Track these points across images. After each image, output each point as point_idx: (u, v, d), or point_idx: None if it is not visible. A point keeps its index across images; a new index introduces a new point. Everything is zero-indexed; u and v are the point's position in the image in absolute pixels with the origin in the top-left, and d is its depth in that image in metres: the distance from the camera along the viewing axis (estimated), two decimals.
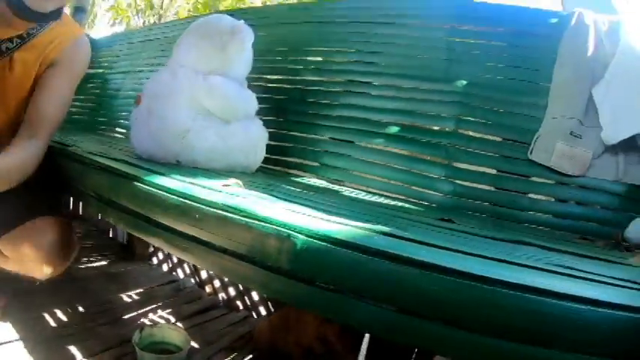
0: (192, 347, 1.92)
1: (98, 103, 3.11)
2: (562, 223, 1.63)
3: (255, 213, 0.84)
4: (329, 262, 0.76)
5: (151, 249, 2.88)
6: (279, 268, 0.80)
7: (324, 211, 0.94)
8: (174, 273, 2.74)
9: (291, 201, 1.05)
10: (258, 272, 0.84)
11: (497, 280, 0.70)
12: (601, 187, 1.62)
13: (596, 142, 1.63)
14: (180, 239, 0.98)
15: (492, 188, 1.75)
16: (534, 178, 1.72)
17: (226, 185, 1.09)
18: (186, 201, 0.95)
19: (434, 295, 0.70)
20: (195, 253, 0.98)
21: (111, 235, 3.16)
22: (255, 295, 2.35)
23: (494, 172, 1.77)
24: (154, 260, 2.88)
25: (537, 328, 0.68)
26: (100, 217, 3.23)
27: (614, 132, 1.59)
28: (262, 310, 2.32)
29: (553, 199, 1.71)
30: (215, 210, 0.89)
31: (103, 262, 2.69)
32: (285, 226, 0.80)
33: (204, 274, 2.58)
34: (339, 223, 0.81)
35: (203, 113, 1.53)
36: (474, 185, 1.78)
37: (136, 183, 1.06)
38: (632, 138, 1.57)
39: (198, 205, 0.93)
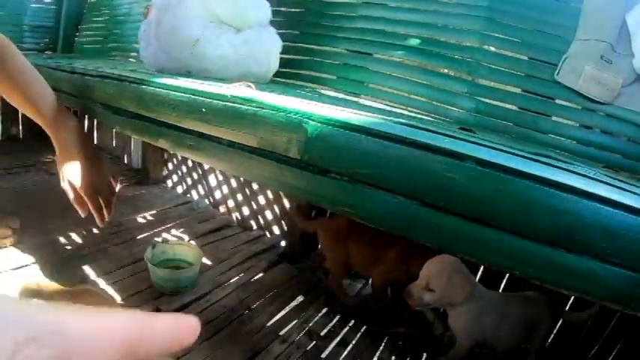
0: (205, 264, 1.95)
1: (108, 29, 3.01)
2: (586, 150, 1.57)
3: (265, 102, 0.78)
4: (343, 150, 0.70)
5: (165, 172, 2.88)
6: (290, 159, 0.75)
7: (340, 105, 0.88)
8: (188, 195, 2.75)
9: (309, 98, 0.99)
10: (267, 165, 0.79)
11: (528, 174, 0.65)
12: (629, 118, 1.55)
13: (627, 69, 1.53)
14: (188, 137, 0.94)
15: (516, 108, 1.68)
16: (559, 101, 1.65)
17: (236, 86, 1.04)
18: (193, 96, 0.90)
19: (459, 188, 0.65)
20: (202, 150, 0.93)
21: (125, 162, 3.16)
22: (269, 214, 2.35)
23: (518, 91, 1.69)
24: (169, 183, 2.89)
25: (566, 229, 0.62)
26: (114, 144, 3.21)
27: None
28: (276, 229, 2.33)
29: (577, 125, 1.63)
30: (224, 102, 0.84)
31: (118, 186, 2.69)
32: (296, 113, 0.74)
33: (218, 195, 2.58)
34: (358, 115, 0.75)
35: (214, 21, 1.45)
36: (497, 103, 1.70)
37: (142, 86, 1.02)
38: None
39: (206, 99, 0.87)
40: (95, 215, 1.22)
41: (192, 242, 1.97)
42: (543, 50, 1.64)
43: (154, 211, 2.41)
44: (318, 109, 0.75)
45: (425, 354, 1.74)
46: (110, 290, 1.68)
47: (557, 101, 1.65)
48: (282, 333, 1.67)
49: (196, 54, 1.42)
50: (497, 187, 0.64)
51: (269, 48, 1.61)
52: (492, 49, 1.70)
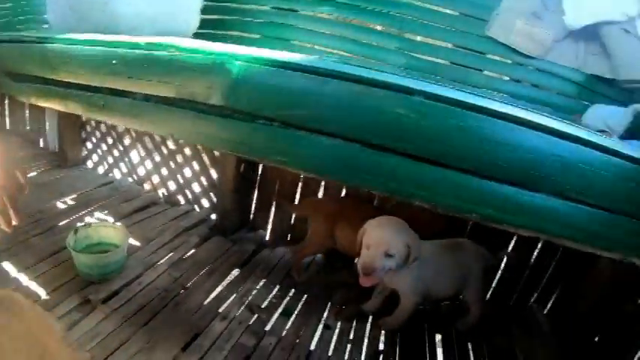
0: (133, 245, 1.80)
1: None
2: (516, 103, 1.61)
3: (182, 46, 0.68)
4: (274, 91, 0.61)
5: (84, 152, 2.66)
6: (213, 107, 0.65)
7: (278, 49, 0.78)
8: (110, 174, 2.55)
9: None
10: (187, 117, 0.69)
11: (483, 107, 0.59)
12: (560, 73, 1.60)
13: (558, 25, 1.58)
14: (99, 96, 0.82)
15: (447, 63, 1.68)
16: (490, 56, 1.67)
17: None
18: (102, 48, 0.79)
19: (408, 125, 0.58)
20: (115, 109, 0.82)
21: (42, 145, 2.86)
22: (196, 187, 2.23)
23: (449, 45, 1.69)
24: (89, 164, 2.67)
25: (525, 166, 0.60)
26: (28, 127, 2.91)
27: (577, 17, 1.53)
28: (205, 202, 2.21)
29: (508, 79, 1.68)
30: (136, 51, 0.73)
31: (34, 173, 2.45)
32: (218, 54, 0.64)
33: (141, 171, 2.40)
34: (289, 54, 0.67)
35: None
36: (429, 58, 1.69)
37: (45, 44, 0.90)
38: (595, 28, 1.52)
39: (118, 49, 0.76)
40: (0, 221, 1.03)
41: (118, 223, 1.81)
42: (473, 5, 1.64)
43: (74, 195, 2.21)
44: (243, 49, 0.66)
45: (370, 316, 1.72)
46: (33, 286, 1.50)
47: (488, 56, 1.67)
48: (221, 310, 1.58)
49: (108, 12, 1.28)
50: (450, 122, 0.57)
51: (188, 4, 1.50)
52: (421, 4, 1.67)
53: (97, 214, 2.03)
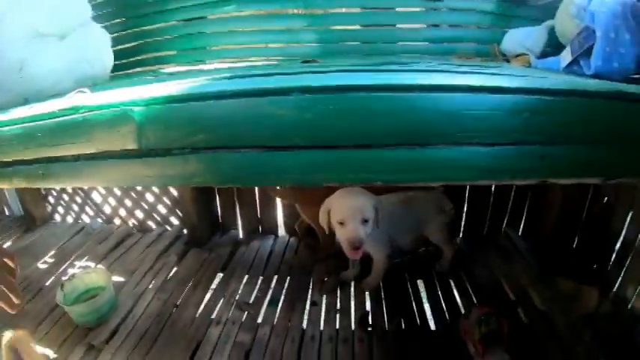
0: (118, 282, 1.86)
1: None
2: (438, 47, 1.66)
3: (90, 105, 0.74)
4: (174, 124, 0.68)
5: (49, 208, 2.66)
6: (131, 152, 0.72)
7: (168, 81, 0.84)
8: (79, 221, 2.58)
9: (137, 84, 0.94)
10: (114, 166, 0.75)
11: (359, 85, 0.65)
12: (471, 7, 1.64)
13: None
14: (37, 167, 0.86)
15: (359, 27, 1.72)
16: (400, 9, 1.70)
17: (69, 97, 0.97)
18: (25, 124, 0.83)
19: (293, 121, 0.65)
20: (54, 174, 0.86)
21: (7, 213, 2.84)
22: (162, 209, 2.28)
23: (357, 10, 1.71)
24: (57, 217, 2.68)
25: (410, 126, 0.66)
26: None
27: None
28: (174, 220, 2.28)
29: (425, 26, 1.70)
30: (54, 119, 0.78)
31: (9, 243, 2.45)
32: (120, 105, 0.70)
33: (107, 209, 2.44)
34: (180, 85, 0.73)
35: (35, 36, 1.33)
36: (339, 27, 1.73)
37: None
38: None
39: (38, 122, 0.81)
40: (4, 306, 1.08)
41: (99, 266, 1.86)
42: None
43: (52, 252, 2.23)
44: (140, 93, 0.71)
45: (352, 283, 1.82)
46: (40, 349, 1.53)
47: (397, 9, 1.70)
48: (214, 316, 1.68)
49: (26, 77, 1.30)
50: (330, 108, 0.65)
51: (97, 45, 1.51)
52: None
53: (78, 263, 2.07)
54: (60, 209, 2.65)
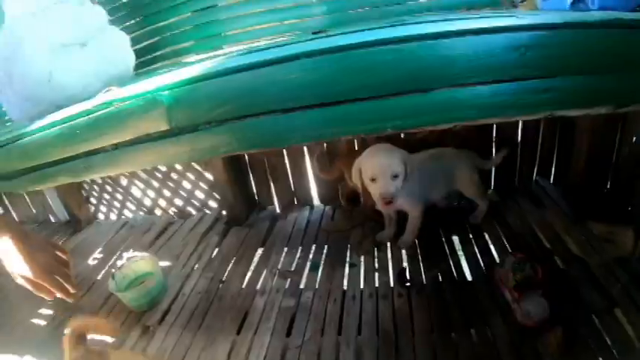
0: (166, 265, 1.98)
1: None
2: (450, 2, 1.67)
3: (120, 97, 0.81)
4: (199, 101, 0.75)
5: (92, 209, 2.81)
6: (165, 133, 0.79)
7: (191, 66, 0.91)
8: (122, 217, 2.72)
9: (162, 73, 1.01)
10: (151, 149, 0.83)
11: (360, 42, 0.70)
12: None
13: None
14: (79, 161, 0.95)
15: None
16: None
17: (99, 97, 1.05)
18: (63, 125, 0.91)
19: (303, 82, 0.72)
20: (95, 166, 0.95)
21: (53, 220, 3.00)
22: (199, 194, 2.39)
23: None
24: (101, 217, 2.83)
25: (411, 74, 0.71)
26: (34, 211, 3.04)
27: None
28: (212, 203, 2.38)
29: None
30: (90, 116, 0.86)
31: (67, 256, 2.59)
32: (149, 93, 0.77)
33: (147, 202, 2.56)
34: (201, 66, 0.79)
35: (58, 47, 1.41)
36: None
37: (19, 141, 1.00)
38: None
39: (74, 121, 0.89)
40: (60, 295, 1.19)
41: (145, 254, 1.97)
42: None
43: (100, 249, 2.37)
44: (167, 79, 0.78)
45: (388, 243, 1.88)
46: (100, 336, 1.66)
47: None
48: (258, 287, 1.77)
49: (56, 86, 1.38)
50: (333, 67, 0.71)
51: (117, 46, 1.60)
52: None
53: (126, 255, 2.17)
54: (102, 208, 2.79)
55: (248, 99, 0.74)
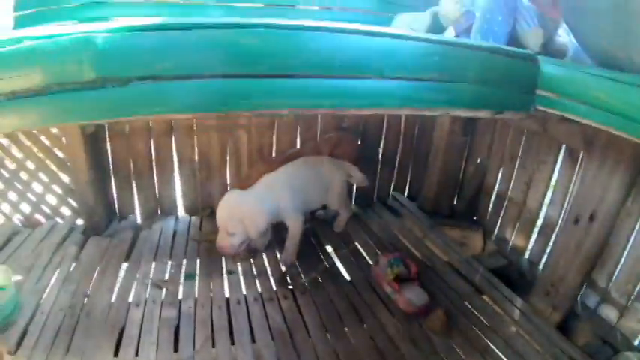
0: (15, 281, 1.65)
1: None
2: None
3: (31, 36, 0.70)
4: (141, 52, 0.69)
5: None
6: (84, 84, 0.70)
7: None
8: None
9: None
10: (60, 101, 0.72)
11: (312, 27, 0.78)
12: None
13: None
14: None
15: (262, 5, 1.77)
16: None
17: None
18: None
19: (256, 49, 0.73)
20: None
21: None
22: (51, 199, 2.08)
23: None
24: None
25: (355, 62, 0.82)
26: None
27: None
28: (66, 211, 2.09)
29: (318, 8, 1.81)
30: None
31: None
32: (79, 34, 0.68)
33: None
34: (143, 20, 0.74)
35: None
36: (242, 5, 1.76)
37: None
38: None
39: None
40: None
41: None
42: None
43: None
44: (103, 25, 0.71)
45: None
46: None
47: None
48: (131, 299, 1.61)
49: None
50: (289, 42, 0.76)
51: None
52: None
53: None
54: None
55: (196, 59, 0.72)
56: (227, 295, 1.64)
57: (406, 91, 0.89)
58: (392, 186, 2.39)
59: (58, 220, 2.11)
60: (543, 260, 1.68)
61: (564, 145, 1.59)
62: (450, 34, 1.40)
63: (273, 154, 2.14)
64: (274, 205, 1.71)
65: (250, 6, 1.76)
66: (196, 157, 2.09)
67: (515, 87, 1.02)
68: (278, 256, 1.87)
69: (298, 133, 2.12)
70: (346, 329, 1.46)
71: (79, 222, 2.11)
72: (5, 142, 1.98)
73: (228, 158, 2.11)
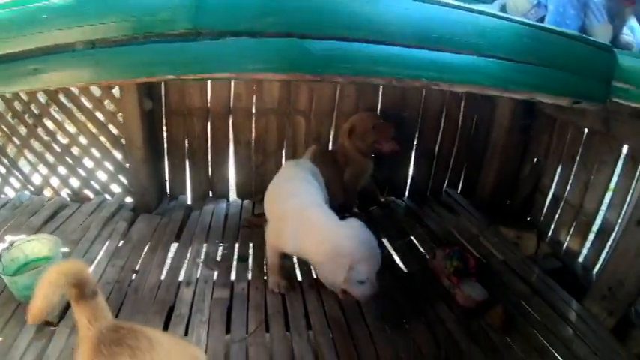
0: (62, 252, 1.64)
1: None
2: None
3: None
4: (238, 5, 0.65)
5: None
6: (176, 35, 0.66)
7: None
8: (2, 196, 2.18)
9: None
10: (147, 51, 0.68)
11: None
12: None
13: None
14: (29, 61, 0.73)
15: None
16: None
17: None
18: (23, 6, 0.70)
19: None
20: (52, 69, 0.73)
21: None
22: (102, 176, 2.09)
23: None
24: None
25: (452, 36, 0.80)
26: None
27: None
28: (115, 188, 2.10)
29: None
30: None
31: None
32: None
33: (37, 180, 2.15)
34: None
35: None
36: None
37: None
38: None
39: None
40: None
41: (42, 235, 1.64)
42: None
43: None
44: None
45: None
46: None
47: None
48: (181, 278, 1.58)
49: None
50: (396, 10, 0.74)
51: None
52: None
53: (10, 237, 1.77)
54: None
55: (298, 17, 0.66)
56: None
57: (500, 71, 0.86)
58: (446, 182, 2.33)
59: (107, 196, 2.10)
60: (599, 264, 1.60)
61: (626, 146, 1.51)
62: None
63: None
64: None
65: None
66: (252, 141, 2.06)
67: (593, 76, 1.00)
68: None
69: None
70: (404, 322, 1.41)
71: (128, 200, 2.10)
72: (59, 116, 1.99)
73: (285, 143, 2.07)
